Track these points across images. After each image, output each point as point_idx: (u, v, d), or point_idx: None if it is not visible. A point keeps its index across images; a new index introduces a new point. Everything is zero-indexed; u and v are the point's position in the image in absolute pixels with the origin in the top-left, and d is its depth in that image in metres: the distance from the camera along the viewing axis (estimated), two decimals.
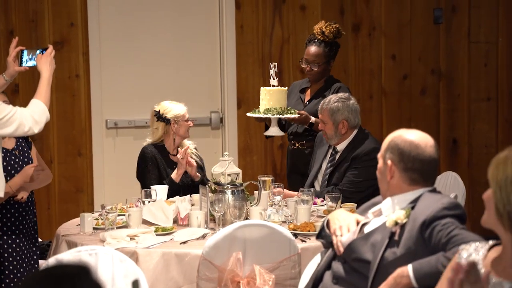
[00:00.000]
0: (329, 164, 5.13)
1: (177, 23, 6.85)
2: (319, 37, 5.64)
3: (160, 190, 4.88)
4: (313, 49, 5.66)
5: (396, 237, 2.99)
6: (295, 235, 4.10)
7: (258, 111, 5.29)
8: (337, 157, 5.10)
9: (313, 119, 5.43)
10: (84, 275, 1.78)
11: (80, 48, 6.54)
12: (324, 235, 3.37)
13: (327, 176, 5.07)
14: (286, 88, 5.39)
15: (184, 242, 4.10)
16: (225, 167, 4.59)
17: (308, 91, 5.76)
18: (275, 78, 5.31)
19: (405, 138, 3.13)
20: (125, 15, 6.72)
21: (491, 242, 2.52)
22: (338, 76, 7.07)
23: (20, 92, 6.40)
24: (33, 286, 1.77)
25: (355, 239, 3.13)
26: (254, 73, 6.82)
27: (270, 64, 5.42)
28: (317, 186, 5.15)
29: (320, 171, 5.18)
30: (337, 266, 3.16)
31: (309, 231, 4.24)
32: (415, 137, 3.13)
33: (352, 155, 4.99)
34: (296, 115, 5.29)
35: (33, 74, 6.39)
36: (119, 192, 5.72)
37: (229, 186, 4.44)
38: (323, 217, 4.61)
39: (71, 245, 4.17)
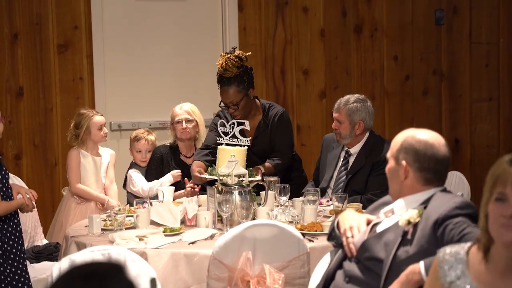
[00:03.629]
0: (342, 168, 5.14)
1: (180, 25, 6.88)
2: (225, 74, 5.11)
3: (166, 192, 4.93)
4: (224, 90, 5.16)
5: (408, 236, 3.00)
6: (303, 234, 4.12)
7: (214, 170, 4.76)
8: (350, 160, 5.12)
9: (262, 168, 5.06)
10: (114, 274, 1.78)
11: (84, 50, 6.56)
12: (334, 235, 3.38)
13: (343, 182, 5.07)
14: (246, 147, 4.82)
15: (192, 243, 4.12)
16: (231, 168, 4.61)
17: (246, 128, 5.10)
18: (238, 137, 4.81)
19: (418, 138, 3.14)
20: (128, 18, 6.75)
21: (466, 246, 2.54)
22: (341, 77, 7.13)
23: (24, 94, 6.42)
24: (64, 284, 1.78)
25: (368, 238, 3.15)
26: (257, 75, 6.83)
27: (229, 123, 4.88)
28: (330, 193, 5.13)
29: (333, 178, 5.18)
30: (349, 265, 3.18)
31: (316, 231, 4.26)
32: (428, 137, 3.15)
33: (373, 159, 4.98)
34: (259, 177, 4.78)
35: (37, 76, 6.44)
36: (124, 194, 5.75)
37: (236, 187, 4.46)
38: (329, 217, 4.64)
39: (81, 246, 4.19)
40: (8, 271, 4.32)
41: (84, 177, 5.51)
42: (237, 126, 4.82)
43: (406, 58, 7.28)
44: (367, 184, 4.99)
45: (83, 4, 6.53)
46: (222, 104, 5.24)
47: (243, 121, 4.85)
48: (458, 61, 7.38)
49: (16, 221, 4.44)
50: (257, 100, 5.37)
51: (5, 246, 4.33)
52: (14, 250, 4.36)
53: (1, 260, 4.31)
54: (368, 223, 3.24)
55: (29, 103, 6.45)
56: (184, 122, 5.50)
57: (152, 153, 5.59)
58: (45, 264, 5.07)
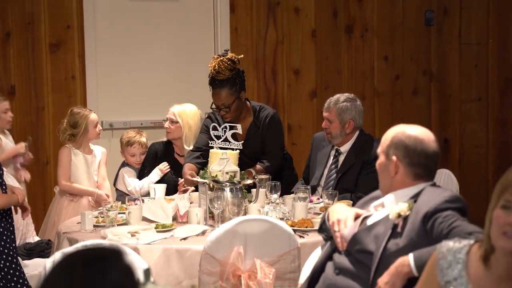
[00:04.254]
0: (332, 166, 5.18)
1: (172, 25, 6.91)
2: (217, 77, 5.12)
3: (158, 189, 4.97)
4: (216, 93, 5.17)
5: (398, 229, 3.04)
6: (294, 231, 4.15)
7: (206, 173, 4.72)
8: (340, 159, 5.15)
9: (253, 172, 5.10)
10: (112, 258, 1.81)
11: (76, 50, 6.58)
12: (324, 228, 3.43)
13: (333, 180, 5.11)
14: (238, 151, 4.85)
15: (184, 238, 4.16)
16: (223, 165, 4.64)
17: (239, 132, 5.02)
18: (230, 140, 4.82)
19: (408, 134, 3.18)
20: (120, 18, 6.78)
21: (468, 245, 2.54)
22: (331, 76, 7.17)
23: (16, 93, 6.44)
24: (64, 268, 1.80)
25: (359, 231, 3.18)
26: (249, 75, 6.84)
27: (222, 126, 4.88)
28: (320, 190, 5.16)
29: (323, 176, 5.22)
30: (339, 257, 3.21)
31: (306, 227, 4.30)
32: (418, 132, 3.20)
33: (363, 158, 5.01)
34: (251, 180, 4.73)
35: (29, 75, 6.46)
36: (114, 193, 5.79)
37: (227, 184, 4.49)
38: (319, 214, 4.67)
39: (73, 242, 4.22)
40: (1, 265, 4.35)
41: (76, 175, 5.54)
42: (229, 130, 4.83)
43: (396, 59, 7.33)
44: (357, 182, 5.03)
45: (75, 3, 6.55)
46: (213, 106, 5.26)
47: (235, 124, 4.87)
48: (448, 62, 7.44)
49: (9, 218, 4.46)
50: (247, 102, 5.39)
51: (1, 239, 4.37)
52: (8, 246, 4.39)
53: None
54: (357, 217, 3.28)
55: (21, 102, 6.47)
56: (168, 122, 5.59)
57: (148, 150, 5.68)
58: (36, 261, 5.08)
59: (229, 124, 4.90)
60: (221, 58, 5.11)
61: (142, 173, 5.60)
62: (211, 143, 4.89)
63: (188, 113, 5.60)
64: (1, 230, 4.39)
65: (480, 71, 7.45)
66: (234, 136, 4.86)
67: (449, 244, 2.56)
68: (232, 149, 4.82)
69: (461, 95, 7.46)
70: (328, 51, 7.18)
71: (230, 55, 5.16)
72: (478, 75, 7.46)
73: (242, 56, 5.26)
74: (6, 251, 4.38)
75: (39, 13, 6.47)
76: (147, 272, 2.36)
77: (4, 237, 4.39)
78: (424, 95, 7.43)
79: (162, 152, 5.62)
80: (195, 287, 2.43)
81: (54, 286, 1.80)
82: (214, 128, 4.89)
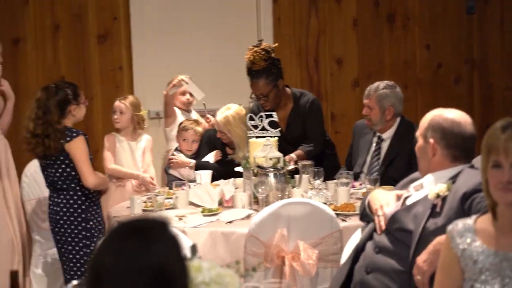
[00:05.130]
0: (375, 153, 5.24)
1: (216, 17, 7.03)
2: (253, 67, 5.26)
3: (204, 175, 5.09)
4: (254, 83, 5.32)
5: (437, 209, 3.12)
6: (336, 214, 4.25)
7: (247, 162, 4.75)
8: (382, 145, 5.21)
9: (294, 156, 5.21)
10: (158, 229, 1.90)
11: (123, 41, 6.74)
12: (365, 214, 3.52)
13: (376, 166, 5.17)
14: (276, 138, 4.84)
15: (230, 222, 4.28)
16: (266, 151, 4.74)
17: (279, 117, 5.06)
18: (268, 129, 4.82)
19: (445, 117, 3.28)
20: (166, 9, 6.91)
21: (475, 217, 2.75)
22: (373, 67, 7.22)
23: None
24: (114, 237, 1.90)
25: (398, 210, 3.28)
26: (292, 65, 6.98)
27: (257, 115, 4.87)
28: (363, 177, 5.20)
29: (366, 163, 5.28)
30: (379, 237, 3.30)
31: (349, 211, 4.39)
32: (455, 115, 3.30)
33: (409, 146, 4.95)
34: (292, 166, 4.90)
35: (78, 66, 6.62)
36: (160, 177, 5.93)
37: (271, 169, 4.59)
38: (361, 199, 4.75)
39: None
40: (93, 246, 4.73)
41: (121, 161, 5.68)
42: (266, 119, 4.87)
43: (438, 47, 7.36)
44: (408, 170, 5.03)
45: None
46: (253, 95, 5.37)
47: (271, 113, 4.91)
48: (490, 50, 7.44)
49: (98, 202, 4.95)
50: (287, 89, 5.48)
51: (94, 221, 4.79)
52: (100, 227, 4.82)
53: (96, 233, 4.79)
54: (398, 198, 3.37)
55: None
56: (218, 132, 5.60)
57: (203, 135, 5.73)
58: None
59: (265, 113, 4.93)
60: (255, 49, 5.24)
61: (196, 157, 5.68)
62: (249, 133, 4.93)
63: (232, 122, 5.44)
64: (98, 211, 4.84)
65: None
66: (272, 124, 4.90)
67: (456, 222, 2.75)
68: (270, 137, 4.90)
69: (503, 83, 7.47)
70: (369, 40, 7.24)
71: (264, 45, 5.27)
72: None
73: (276, 45, 5.37)
74: (101, 232, 4.78)
75: (86, 5, 6.64)
76: (193, 248, 2.45)
77: (99, 219, 4.83)
78: (466, 83, 7.45)
79: (214, 139, 5.65)
80: (239, 263, 2.52)
81: (104, 254, 1.89)
82: (251, 118, 4.93)
